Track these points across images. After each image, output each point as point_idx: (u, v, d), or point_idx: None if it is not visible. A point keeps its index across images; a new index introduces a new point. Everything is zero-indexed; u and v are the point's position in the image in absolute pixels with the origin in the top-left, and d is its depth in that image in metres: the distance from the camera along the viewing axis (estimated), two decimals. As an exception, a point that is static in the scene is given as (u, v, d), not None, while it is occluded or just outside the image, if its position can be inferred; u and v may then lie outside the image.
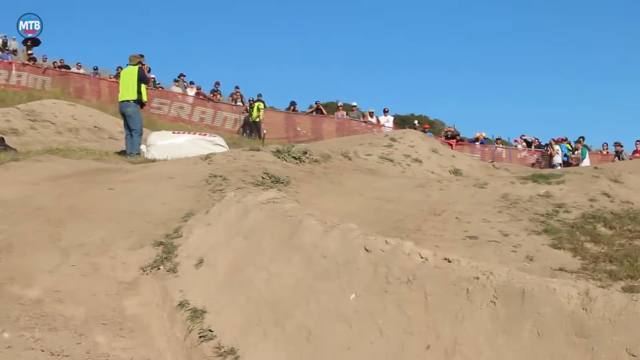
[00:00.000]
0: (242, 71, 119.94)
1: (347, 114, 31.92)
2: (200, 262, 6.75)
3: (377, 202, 9.05)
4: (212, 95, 32.98)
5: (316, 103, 32.73)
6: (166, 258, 7.08)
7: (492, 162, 21.44)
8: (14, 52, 36.44)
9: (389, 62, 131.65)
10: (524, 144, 30.31)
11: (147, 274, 6.97)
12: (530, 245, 6.86)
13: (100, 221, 8.12)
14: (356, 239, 5.56)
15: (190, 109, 32.21)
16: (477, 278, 4.49)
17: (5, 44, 36.79)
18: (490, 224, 7.55)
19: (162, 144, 15.74)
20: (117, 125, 19.39)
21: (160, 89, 32.69)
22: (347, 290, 5.16)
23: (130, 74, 15.31)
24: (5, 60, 34.15)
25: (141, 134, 15.31)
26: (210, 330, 5.70)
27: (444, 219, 7.93)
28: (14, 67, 33.60)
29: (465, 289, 4.49)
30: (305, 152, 11.54)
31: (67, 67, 34.99)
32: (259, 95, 31.68)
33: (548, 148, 27.76)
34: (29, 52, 34.70)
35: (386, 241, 5.35)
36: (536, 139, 30.10)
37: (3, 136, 15.92)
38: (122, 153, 14.99)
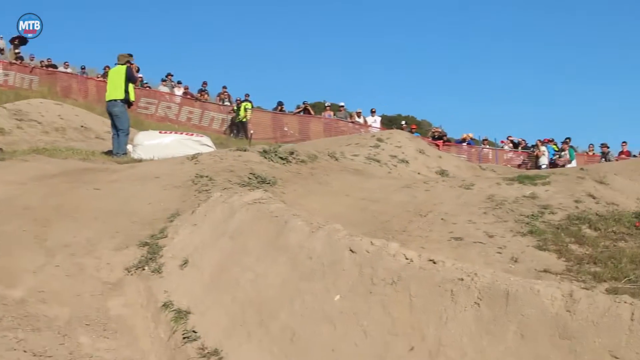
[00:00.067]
0: (230, 71, 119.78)
1: (334, 114, 31.87)
2: (186, 262, 6.74)
3: (363, 203, 9.06)
4: (199, 95, 32.89)
5: (304, 103, 32.62)
6: (151, 258, 7.06)
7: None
8: (1, 51, 36.18)
9: (377, 63, 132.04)
10: (511, 144, 30.38)
11: (131, 274, 6.95)
12: (515, 246, 6.88)
13: (86, 221, 8.10)
14: (342, 239, 5.55)
15: (178, 108, 32.11)
16: (462, 279, 4.50)
17: (-8, 43, 36.62)
18: (476, 225, 7.56)
19: (149, 143, 15.69)
20: (104, 125, 19.31)
21: (147, 88, 32.53)
22: (332, 291, 5.16)
23: (118, 73, 15.25)
24: (-7, 60, 34.00)
25: (128, 134, 15.25)
26: (194, 331, 5.69)
27: (429, 220, 7.94)
28: (1, 66, 33.43)
29: (450, 290, 4.49)
30: (292, 153, 11.54)
31: (55, 67, 34.79)
32: (247, 95, 31.65)
33: (534, 149, 27.85)
34: (16, 51, 34.48)
35: (371, 242, 5.35)
36: (523, 140, 30.20)
37: (-11, 136, 15.84)
38: (109, 153, 14.94)
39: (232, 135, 29.95)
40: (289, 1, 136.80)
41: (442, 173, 14.06)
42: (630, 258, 6.35)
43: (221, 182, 9.36)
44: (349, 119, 31.58)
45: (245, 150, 11.55)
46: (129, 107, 15.58)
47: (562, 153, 26.41)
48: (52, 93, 29.47)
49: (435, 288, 4.59)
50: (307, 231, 5.93)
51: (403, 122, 34.54)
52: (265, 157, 11.09)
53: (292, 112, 32.73)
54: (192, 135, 17.69)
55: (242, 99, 31.28)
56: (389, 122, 36.78)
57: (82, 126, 20.30)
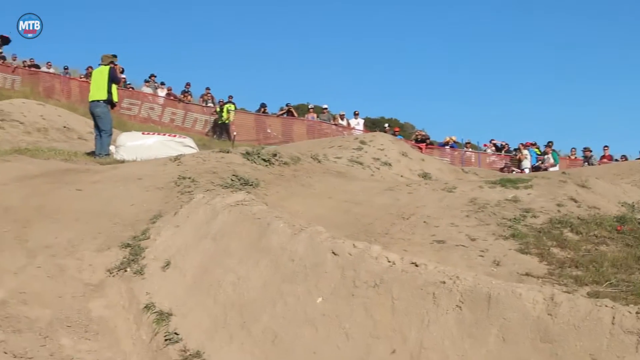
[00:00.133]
0: (213, 72, 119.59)
1: (317, 117, 31.89)
2: (168, 264, 6.72)
3: (346, 205, 9.07)
4: (182, 96, 32.75)
5: (287, 105, 32.62)
6: (133, 260, 7.04)
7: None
8: (-16, 51, 35.98)
9: (360, 65, 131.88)
10: (493, 148, 30.51)
11: (113, 276, 6.93)
12: (497, 249, 6.90)
13: (67, 222, 8.06)
14: (324, 242, 5.55)
15: (161, 109, 31.94)
16: (444, 282, 4.51)
17: (-26, 43, 36.31)
18: (458, 228, 7.58)
19: (131, 144, 15.64)
20: (86, 125, 19.20)
21: (130, 89, 32.36)
22: (314, 293, 5.16)
23: (101, 74, 15.18)
24: (-25, 60, 33.72)
25: (111, 135, 15.18)
26: (176, 333, 5.67)
27: (412, 223, 7.96)
28: (-17, 66, 33.21)
29: (432, 293, 4.50)
30: (275, 155, 11.52)
31: (37, 67, 34.54)
32: (230, 96, 31.51)
33: (517, 153, 27.97)
34: (-1, 50, 34.31)
35: (354, 245, 5.35)
36: (506, 143, 30.32)
37: (-30, 135, 15.73)
38: (91, 154, 14.85)
39: (215, 136, 29.87)
40: (271, 2, 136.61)
41: (425, 176, 14.10)
42: (611, 262, 6.39)
43: (204, 184, 9.35)
44: (332, 121, 31.55)
45: (228, 152, 11.54)
46: (112, 107, 15.52)
47: (546, 157, 26.52)
48: (34, 93, 29.23)
49: (417, 291, 4.60)
50: (289, 233, 5.93)
51: (386, 125, 34.68)
52: (248, 159, 11.07)
53: (275, 114, 32.70)
54: (175, 136, 17.63)
55: (225, 101, 31.13)
56: (372, 125, 36.86)
57: (64, 127, 20.15)
